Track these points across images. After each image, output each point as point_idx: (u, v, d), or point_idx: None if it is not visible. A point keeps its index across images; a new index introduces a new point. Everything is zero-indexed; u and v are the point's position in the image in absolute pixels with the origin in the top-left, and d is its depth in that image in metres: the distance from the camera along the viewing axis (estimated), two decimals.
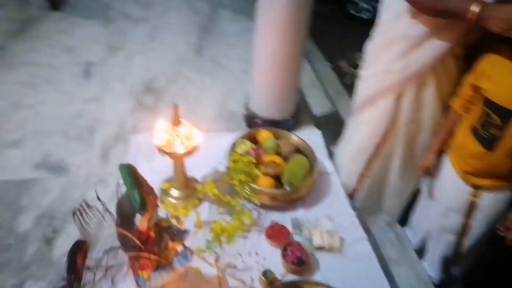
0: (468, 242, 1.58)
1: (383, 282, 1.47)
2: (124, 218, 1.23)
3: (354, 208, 1.79)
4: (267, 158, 1.75)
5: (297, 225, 1.61)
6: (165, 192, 1.65)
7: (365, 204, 1.85)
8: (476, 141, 1.41)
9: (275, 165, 1.70)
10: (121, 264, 1.31)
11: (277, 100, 1.95)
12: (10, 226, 1.52)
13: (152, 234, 1.24)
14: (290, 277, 1.42)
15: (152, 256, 1.21)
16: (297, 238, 1.56)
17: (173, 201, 1.63)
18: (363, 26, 1.56)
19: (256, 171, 1.65)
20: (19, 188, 1.65)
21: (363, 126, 1.72)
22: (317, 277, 1.44)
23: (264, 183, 1.63)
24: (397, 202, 1.86)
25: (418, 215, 1.85)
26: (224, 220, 1.53)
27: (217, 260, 1.44)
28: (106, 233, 1.28)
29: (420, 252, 1.84)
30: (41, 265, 1.42)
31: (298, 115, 2.15)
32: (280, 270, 1.44)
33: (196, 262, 1.43)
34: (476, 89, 1.41)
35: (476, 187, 1.48)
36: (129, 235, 1.18)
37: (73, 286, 1.19)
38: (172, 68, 2.49)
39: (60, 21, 2.82)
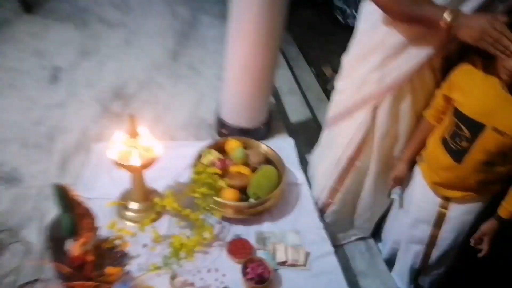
0: (436, 253, 1.55)
1: None
2: (56, 243, 1.13)
3: (324, 221, 1.73)
4: (233, 169, 1.68)
5: (262, 239, 1.54)
6: (124, 206, 1.57)
7: (336, 218, 1.79)
8: (446, 153, 1.38)
9: (241, 176, 1.63)
10: None
11: (247, 108, 1.89)
12: None
13: (90, 258, 1.15)
14: None
15: (87, 284, 1.11)
16: (260, 253, 1.49)
17: (131, 214, 1.56)
18: (350, 33, 1.51)
19: (221, 183, 1.58)
20: None
21: (337, 139, 1.66)
22: None
23: (228, 195, 1.56)
24: (370, 217, 1.81)
25: (388, 225, 1.80)
26: (184, 234, 1.46)
27: (173, 278, 1.36)
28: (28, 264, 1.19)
29: (391, 263, 1.80)
30: None
31: (271, 123, 2.08)
32: (240, 287, 1.37)
33: (150, 281, 1.35)
34: (448, 100, 1.38)
35: (446, 198, 1.45)
36: (52, 264, 1.09)
37: None
38: (144, 74, 2.41)
39: (33, 24, 2.74)
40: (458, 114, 1.32)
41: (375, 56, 1.42)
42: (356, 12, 4.34)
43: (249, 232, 1.56)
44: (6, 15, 2.75)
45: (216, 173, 1.58)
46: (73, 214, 1.10)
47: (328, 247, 1.55)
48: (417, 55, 1.35)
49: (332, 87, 1.67)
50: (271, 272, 1.38)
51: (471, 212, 1.44)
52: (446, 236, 1.50)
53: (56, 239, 1.10)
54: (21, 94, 2.11)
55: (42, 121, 1.96)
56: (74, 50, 2.52)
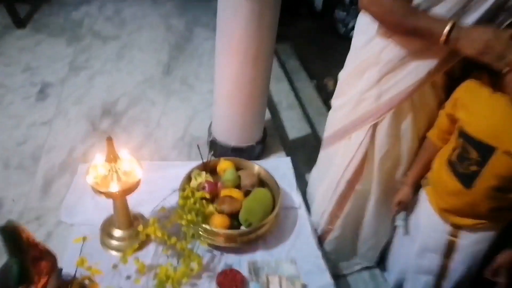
0: (447, 285, 1.42)
1: None
2: None
3: (323, 249, 1.62)
4: (224, 192, 1.57)
5: (254, 269, 1.43)
6: (107, 233, 1.46)
7: (337, 246, 1.67)
8: (453, 176, 1.27)
9: (232, 200, 1.53)
10: None
11: (239, 126, 1.79)
12: None
13: None
14: None
15: None
16: (253, 285, 1.37)
17: (115, 242, 1.45)
18: None
19: (210, 208, 1.48)
20: None
21: (334, 160, 1.56)
22: None
23: (218, 222, 1.45)
24: (374, 245, 1.69)
25: (393, 254, 1.68)
26: (171, 264, 1.35)
27: None
28: None
29: None
30: None
31: (266, 141, 1.98)
32: None
33: None
34: (453, 119, 1.27)
35: (455, 226, 1.33)
36: None
37: None
38: (136, 90, 2.32)
39: (24, 38, 2.67)
40: (464, 135, 1.21)
41: (372, 72, 1.32)
42: None
43: (241, 262, 1.45)
44: None
45: (204, 198, 1.48)
46: (25, 257, 0.99)
47: (327, 278, 1.43)
48: (417, 71, 1.25)
49: None
50: None
51: (483, 241, 1.32)
52: (458, 266, 1.38)
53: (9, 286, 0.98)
54: (6, 111, 2.03)
55: (27, 140, 1.87)
56: (65, 65, 2.44)
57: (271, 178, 1.65)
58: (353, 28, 1.44)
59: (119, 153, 1.33)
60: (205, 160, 1.65)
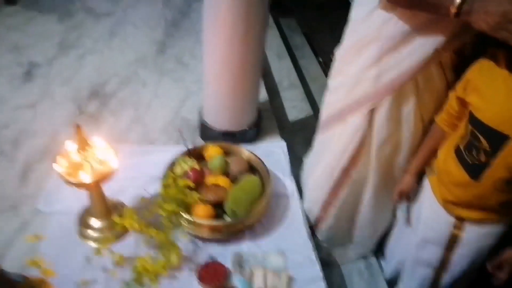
0: (447, 278, 1.32)
1: None
2: None
3: (315, 239, 1.52)
4: (211, 180, 1.48)
5: (239, 262, 1.34)
6: (84, 224, 1.39)
7: (331, 235, 1.57)
8: (460, 166, 1.14)
9: (217, 189, 1.43)
10: None
11: (230, 109, 1.67)
12: None
13: None
14: None
15: None
16: (237, 278, 1.29)
17: (93, 233, 1.38)
18: None
19: (194, 197, 1.38)
20: None
21: (330, 145, 1.45)
22: None
23: (201, 212, 1.36)
24: (371, 234, 1.58)
25: (392, 243, 1.57)
26: (150, 257, 1.28)
27: None
28: None
29: (393, 284, 1.58)
30: None
31: (261, 124, 1.86)
32: None
33: None
34: (464, 103, 1.14)
35: (460, 218, 1.21)
36: None
37: None
38: (127, 69, 2.22)
39: (14, 16, 2.57)
40: (474, 121, 1.08)
41: (371, 50, 1.19)
42: None
43: (226, 253, 1.37)
44: None
45: (188, 186, 1.39)
46: None
47: (316, 271, 1.34)
48: (421, 48, 1.12)
49: None
50: None
51: (490, 236, 1.21)
52: (460, 260, 1.27)
53: None
54: None
55: (9, 124, 1.79)
56: (54, 43, 2.34)
57: (261, 164, 1.54)
58: None
59: (91, 141, 1.24)
60: (190, 147, 1.55)
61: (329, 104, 1.42)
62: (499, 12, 0.90)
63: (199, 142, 1.78)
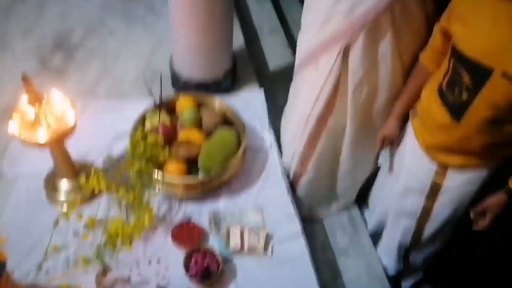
0: (429, 228, 1.29)
1: None
2: None
3: (295, 194, 1.47)
4: (182, 135, 1.39)
5: (216, 220, 1.29)
6: (52, 186, 1.31)
7: (311, 189, 1.51)
8: (443, 107, 1.07)
9: (189, 144, 1.35)
10: None
11: (201, 57, 1.55)
12: None
13: None
14: None
15: None
16: (213, 238, 1.25)
17: (61, 196, 1.31)
18: None
19: (165, 154, 1.30)
20: None
21: (303, 92, 1.34)
22: None
23: (172, 169, 1.29)
24: (352, 183, 1.53)
25: (376, 193, 1.53)
26: (122, 218, 1.22)
27: (102, 274, 1.14)
28: None
29: (377, 236, 1.55)
30: None
31: (238, 72, 1.74)
32: (186, 282, 1.15)
33: (75, 279, 1.13)
34: (448, 35, 1.04)
35: (443, 165, 1.16)
36: None
37: None
38: (94, 17, 2.05)
39: None
40: (458, 54, 0.99)
41: None
42: None
43: (202, 212, 1.31)
44: None
45: (158, 142, 1.30)
46: None
47: (296, 227, 1.30)
48: None
49: None
50: (220, 265, 1.14)
51: (473, 182, 1.16)
52: (442, 209, 1.23)
53: None
54: None
55: None
56: None
57: (237, 116, 1.45)
58: None
59: (47, 95, 1.13)
60: (159, 100, 1.44)
61: (301, 44, 1.32)
62: None
63: (173, 94, 1.67)
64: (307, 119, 1.34)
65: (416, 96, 1.20)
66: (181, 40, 1.52)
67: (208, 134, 1.41)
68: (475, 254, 1.55)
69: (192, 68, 1.58)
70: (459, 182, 1.16)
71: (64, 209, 1.28)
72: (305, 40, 1.28)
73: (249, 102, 1.65)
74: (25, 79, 1.05)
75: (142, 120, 1.42)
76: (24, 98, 1.13)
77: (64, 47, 1.87)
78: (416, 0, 1.08)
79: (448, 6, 1.03)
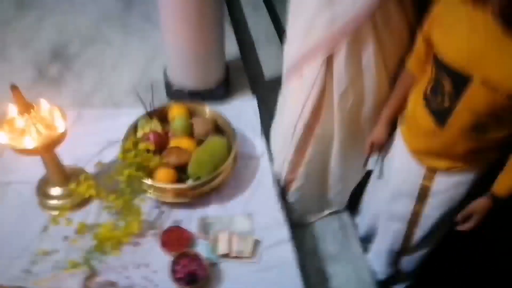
0: (419, 233, 1.30)
1: None
2: None
3: (285, 201, 1.48)
4: (173, 142, 1.41)
5: (205, 226, 1.30)
6: (43, 192, 1.34)
7: (302, 196, 1.53)
8: (428, 113, 1.09)
9: (180, 152, 1.37)
10: None
11: (193, 66, 1.58)
12: None
13: None
14: None
15: None
16: (201, 243, 1.26)
17: (52, 202, 1.33)
18: None
19: (155, 161, 1.32)
20: None
21: (290, 101, 1.37)
22: None
23: (162, 176, 1.31)
24: (342, 189, 1.54)
25: (367, 198, 1.55)
26: (112, 224, 1.24)
27: (90, 277, 1.15)
28: None
29: (368, 241, 1.56)
30: None
31: (231, 82, 1.77)
32: (173, 287, 1.16)
33: (63, 282, 1.15)
34: (430, 42, 1.06)
35: (430, 169, 1.18)
36: None
37: None
38: (91, 29, 2.09)
39: None
40: (438, 62, 1.01)
41: None
42: None
43: (192, 218, 1.33)
44: None
45: (149, 149, 1.32)
46: None
47: (284, 233, 1.31)
48: None
49: None
50: (207, 270, 1.15)
51: (460, 186, 1.17)
52: (431, 213, 1.24)
53: None
54: None
55: None
56: (10, 3, 2.18)
57: (228, 124, 1.47)
58: None
59: (36, 104, 1.16)
60: (152, 108, 1.47)
61: (287, 55, 1.34)
62: None
63: (168, 103, 1.69)
64: (295, 127, 1.36)
65: (404, 102, 1.22)
66: (173, 49, 1.56)
67: (200, 142, 1.43)
68: (466, 259, 1.56)
69: (184, 76, 1.61)
70: (447, 186, 1.18)
71: (55, 214, 1.30)
72: (290, 51, 1.31)
73: (241, 110, 1.67)
74: (14, 88, 1.08)
75: (134, 127, 1.45)
76: (13, 107, 1.16)
77: (61, 57, 1.91)
78: (397, 9, 1.10)
79: (429, 14, 1.06)
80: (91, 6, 2.24)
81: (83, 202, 1.34)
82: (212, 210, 1.36)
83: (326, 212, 1.63)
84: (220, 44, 1.59)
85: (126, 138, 1.39)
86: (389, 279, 1.50)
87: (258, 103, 1.73)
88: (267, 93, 1.94)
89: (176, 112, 1.48)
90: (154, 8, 2.23)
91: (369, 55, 1.17)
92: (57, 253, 1.22)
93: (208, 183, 1.33)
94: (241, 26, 2.39)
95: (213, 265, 1.20)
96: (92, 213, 1.33)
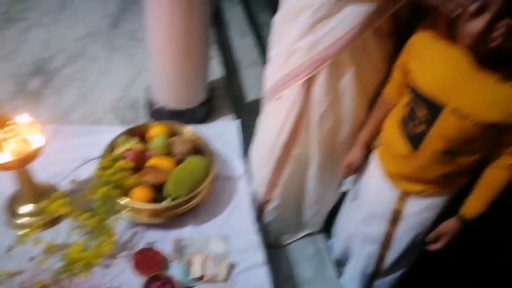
0: (392, 255, 1.33)
1: None
2: None
3: (262, 222, 1.47)
4: (151, 162, 1.40)
5: (179, 248, 1.28)
6: (12, 210, 1.29)
7: (278, 216, 1.53)
8: (404, 137, 1.14)
9: (157, 171, 1.35)
10: None
11: (176, 86, 1.59)
12: None
13: None
14: None
15: None
16: (175, 266, 1.23)
17: (22, 221, 1.28)
18: None
19: (132, 180, 1.30)
20: None
21: (269, 123, 1.39)
22: None
23: (138, 195, 1.29)
24: (318, 211, 1.55)
25: (341, 220, 1.56)
26: (82, 244, 1.20)
27: None
28: None
29: (343, 264, 1.56)
30: None
31: (214, 102, 1.78)
32: None
33: None
34: (406, 71, 1.11)
35: (404, 193, 1.21)
36: None
37: None
38: (75, 45, 2.09)
39: None
40: (414, 90, 1.07)
41: (304, 17, 1.12)
42: None
43: (167, 239, 1.30)
44: None
45: (125, 168, 1.30)
46: None
47: (259, 257, 1.29)
48: (354, 14, 1.07)
49: None
50: None
51: (431, 209, 1.21)
52: (403, 235, 1.27)
53: None
54: None
55: None
56: None
57: (207, 145, 1.47)
58: None
59: (14, 119, 1.14)
60: (128, 127, 1.46)
61: (268, 77, 1.37)
62: None
63: (149, 122, 1.69)
64: (273, 148, 1.38)
65: (380, 126, 1.27)
66: (158, 68, 1.56)
67: (179, 161, 1.42)
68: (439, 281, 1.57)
69: (167, 95, 1.62)
70: (419, 208, 1.21)
71: (22, 233, 1.25)
72: (270, 74, 1.33)
73: (222, 132, 1.67)
74: None
75: (112, 146, 1.43)
76: None
77: (43, 72, 1.89)
78: (375, 39, 1.14)
79: (405, 45, 1.10)
80: (77, 22, 2.24)
81: (54, 221, 1.30)
82: (188, 232, 1.33)
83: (302, 233, 1.63)
84: (204, 65, 1.60)
85: (104, 155, 1.36)
86: None
87: (239, 124, 1.73)
88: (249, 115, 1.96)
89: (156, 131, 1.47)
90: (141, 26, 2.28)
91: (348, 81, 1.20)
92: (23, 275, 1.17)
93: (184, 203, 1.31)
94: (226, 48, 2.42)
95: None
96: (63, 232, 1.28)
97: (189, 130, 1.52)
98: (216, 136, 1.60)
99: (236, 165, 1.56)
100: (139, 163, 1.38)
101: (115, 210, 1.26)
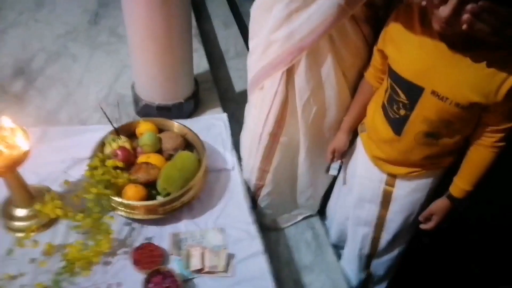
0: (386, 236, 1.36)
1: None
2: None
3: (257, 209, 1.50)
4: (141, 159, 1.40)
5: (176, 242, 1.29)
6: (7, 214, 1.29)
7: (272, 200, 1.56)
8: (386, 122, 1.16)
9: (148, 168, 1.36)
10: None
11: (160, 81, 1.57)
12: None
13: None
14: None
15: None
16: (174, 259, 1.25)
17: (18, 224, 1.28)
18: None
19: (123, 178, 1.31)
20: None
21: (253, 111, 1.41)
22: None
23: (131, 193, 1.29)
24: (312, 194, 1.59)
25: (333, 204, 1.59)
26: (81, 244, 1.21)
27: None
28: None
29: (341, 247, 1.60)
30: None
31: (200, 96, 1.78)
32: None
33: None
34: (384, 55, 1.13)
35: (391, 175, 1.24)
36: None
37: None
38: (56, 44, 2.05)
39: None
40: (393, 74, 1.08)
41: (279, 8, 1.13)
42: None
43: (163, 234, 1.31)
44: None
45: (116, 166, 1.31)
46: None
47: (257, 245, 1.31)
48: (328, 5, 1.07)
49: None
50: (180, 286, 1.14)
51: (420, 190, 1.24)
52: (395, 217, 1.30)
53: None
54: None
55: None
56: None
57: (197, 139, 1.47)
58: None
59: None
60: (119, 124, 1.45)
61: (249, 68, 1.39)
62: None
63: (136, 119, 1.68)
64: (260, 136, 1.40)
65: (364, 111, 1.29)
66: (141, 64, 1.55)
67: (169, 157, 1.43)
68: (438, 264, 1.62)
69: (153, 91, 1.61)
70: (408, 190, 1.25)
71: (20, 236, 1.25)
72: (251, 64, 1.35)
73: (211, 125, 1.68)
74: None
75: (102, 144, 1.42)
76: None
77: (25, 73, 1.86)
78: (352, 26, 1.15)
79: (382, 30, 1.12)
80: (56, 19, 2.20)
81: (50, 222, 1.30)
82: (184, 226, 1.35)
83: (299, 217, 1.66)
84: (188, 58, 1.59)
85: (93, 155, 1.36)
86: (362, 284, 1.54)
87: (228, 116, 1.74)
88: (236, 106, 1.97)
89: (144, 128, 1.47)
90: (121, 22, 2.25)
91: (328, 68, 1.22)
92: (24, 277, 1.17)
93: (178, 198, 1.32)
94: (210, 40, 2.41)
95: (187, 281, 1.19)
96: (60, 233, 1.29)
97: (178, 124, 1.52)
98: (205, 129, 1.61)
99: (227, 156, 1.57)
100: (129, 161, 1.38)
101: (109, 208, 1.27)
